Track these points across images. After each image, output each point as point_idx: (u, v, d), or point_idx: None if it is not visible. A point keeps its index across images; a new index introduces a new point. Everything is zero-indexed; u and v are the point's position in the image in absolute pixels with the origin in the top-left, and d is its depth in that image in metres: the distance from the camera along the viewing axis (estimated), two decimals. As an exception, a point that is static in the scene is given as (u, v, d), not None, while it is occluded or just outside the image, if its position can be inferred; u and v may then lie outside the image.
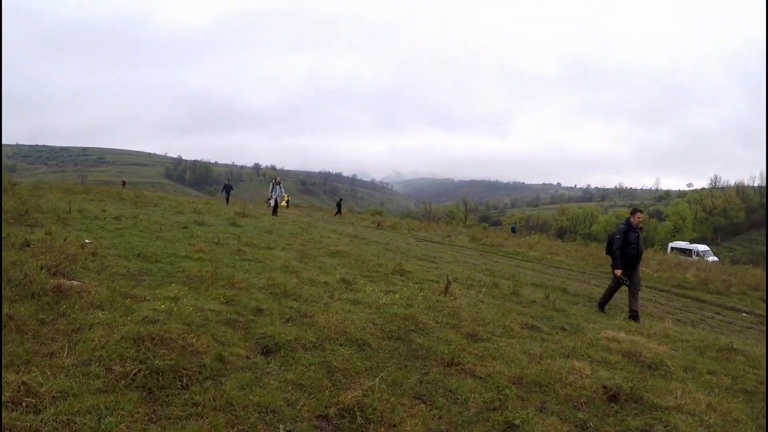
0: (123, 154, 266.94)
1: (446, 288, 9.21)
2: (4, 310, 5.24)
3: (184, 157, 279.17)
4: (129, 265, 8.37)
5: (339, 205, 47.23)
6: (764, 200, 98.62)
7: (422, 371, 5.63)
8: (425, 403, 4.83)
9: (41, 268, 6.98)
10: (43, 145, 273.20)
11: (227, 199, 36.91)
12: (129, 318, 5.63)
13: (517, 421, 4.55)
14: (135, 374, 4.34)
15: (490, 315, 8.12)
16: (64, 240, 8.96)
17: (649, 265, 22.35)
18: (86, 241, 9.93)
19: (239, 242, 11.84)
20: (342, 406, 4.44)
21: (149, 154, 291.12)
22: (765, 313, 10.52)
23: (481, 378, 5.52)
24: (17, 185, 21.78)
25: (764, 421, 5.21)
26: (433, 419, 4.52)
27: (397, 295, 8.55)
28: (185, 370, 4.54)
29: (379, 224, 30.33)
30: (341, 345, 5.98)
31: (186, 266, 8.71)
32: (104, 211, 15.80)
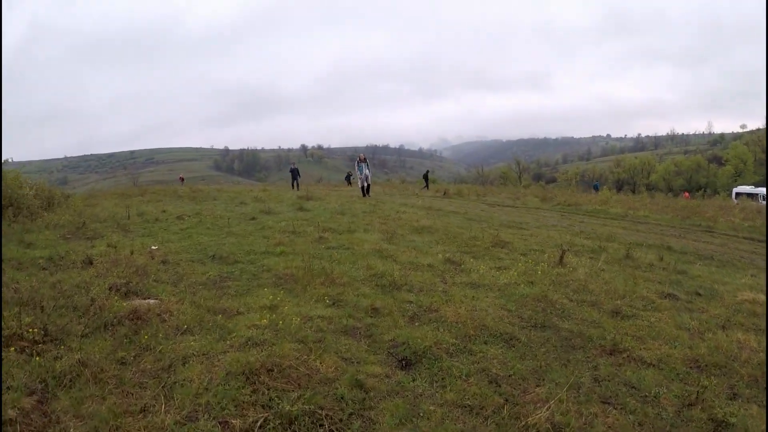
0: (170, 152, 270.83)
1: (561, 258, 8.20)
2: (75, 356, 4.16)
3: (230, 148, 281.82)
4: (207, 270, 7.32)
5: (426, 178, 42.25)
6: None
7: (590, 365, 4.72)
8: (615, 407, 3.97)
9: (110, 289, 6.03)
10: (91, 154, 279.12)
11: (294, 184, 32.64)
12: (227, 342, 4.60)
13: (724, 417, 3.86)
14: (261, 426, 3.23)
15: (620, 285, 7.19)
16: (131, 252, 7.95)
17: (733, 214, 20.58)
18: (153, 247, 9.00)
19: (317, 228, 10.74)
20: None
21: (196, 149, 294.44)
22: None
23: (654, 365, 4.75)
24: (71, 197, 21.24)
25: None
26: (634, 428, 3.73)
27: (513, 272, 7.50)
28: (322, 410, 3.50)
29: (445, 193, 28.92)
30: (487, 343, 4.98)
31: (271, 264, 7.64)
32: (164, 211, 14.91)
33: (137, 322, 4.98)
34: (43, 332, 4.65)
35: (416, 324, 5.31)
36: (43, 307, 5.40)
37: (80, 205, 17.60)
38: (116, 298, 5.68)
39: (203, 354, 4.32)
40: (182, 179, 58.62)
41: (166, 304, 5.53)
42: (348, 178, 45.68)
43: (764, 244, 13.12)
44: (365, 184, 22.41)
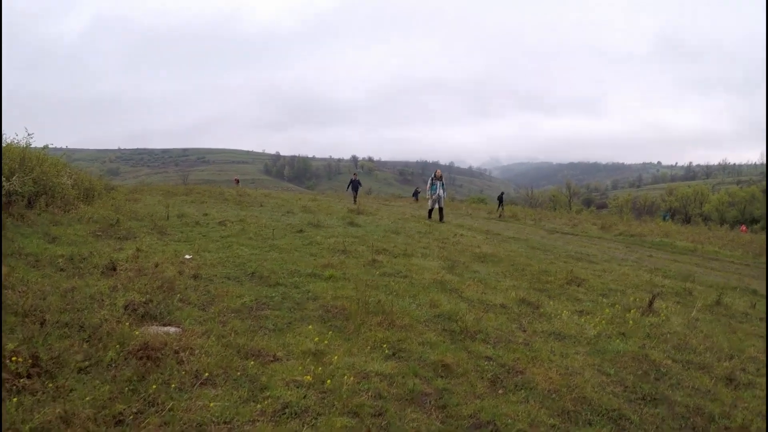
0: (222, 153, 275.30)
1: (650, 304, 7.03)
2: (57, 408, 3.13)
3: (282, 153, 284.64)
4: (243, 291, 6.28)
5: (501, 200, 32.15)
6: None
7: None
8: None
9: (125, 308, 5.07)
10: (144, 148, 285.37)
11: (354, 198, 29.42)
12: (258, 405, 3.58)
13: None
14: None
15: (723, 341, 6.17)
16: (155, 265, 6.96)
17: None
18: (186, 257, 8.11)
19: (369, 249, 9.63)
20: None
21: (247, 152, 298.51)
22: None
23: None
24: (114, 189, 20.70)
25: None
26: None
27: (598, 318, 6.36)
28: None
29: (500, 215, 27.53)
30: (591, 424, 3.89)
31: (317, 290, 6.56)
32: (206, 215, 14.07)
33: (147, 363, 3.93)
34: (31, 362, 3.72)
35: (500, 391, 4.15)
36: (44, 321, 4.54)
37: (121, 199, 16.99)
38: (130, 321, 4.74)
39: (224, 422, 3.26)
40: (237, 181, 58.40)
41: (188, 336, 4.50)
42: (416, 194, 43.89)
43: None
44: (437, 206, 19.09)
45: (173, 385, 3.64)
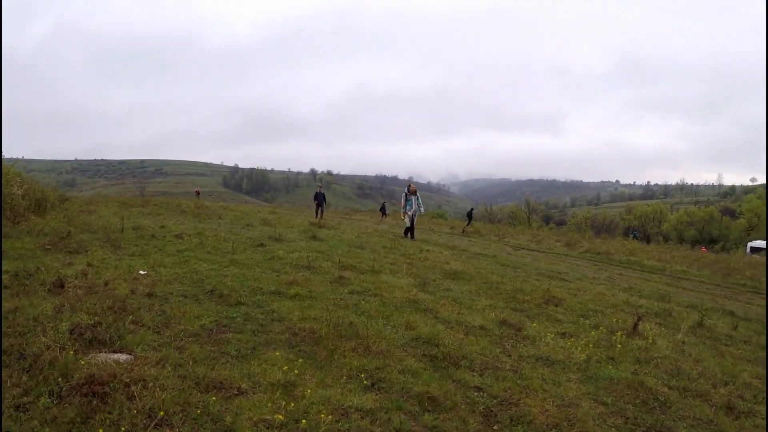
0: (180, 165, 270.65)
1: (635, 326, 6.77)
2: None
3: (240, 165, 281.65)
4: (201, 311, 5.79)
5: (470, 216, 35.72)
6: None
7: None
8: None
9: (71, 333, 4.53)
10: (102, 159, 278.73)
11: (318, 212, 26.94)
12: None
13: None
14: None
15: (714, 366, 6.00)
16: (106, 283, 6.46)
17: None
18: (141, 272, 7.57)
19: (335, 265, 9.20)
20: None
21: (206, 164, 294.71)
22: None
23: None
24: (68, 200, 19.78)
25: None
26: None
27: (584, 342, 6.02)
28: None
29: (464, 230, 27.27)
30: None
31: (282, 310, 6.10)
32: (163, 227, 13.41)
33: (93, 400, 3.45)
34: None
35: (495, 427, 3.79)
36: (-21, 349, 4.02)
37: (75, 210, 16.19)
38: (75, 348, 4.22)
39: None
40: (198, 193, 57.25)
41: (141, 365, 4.01)
42: (383, 209, 41.47)
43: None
44: (411, 224, 17.89)
45: (123, 429, 3.16)
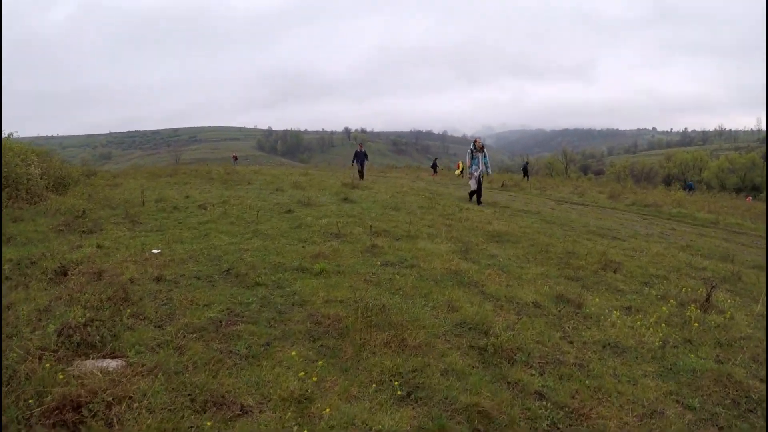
0: (214, 131, 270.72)
1: (708, 298, 5.75)
2: None
3: (274, 128, 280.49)
4: (213, 297, 5.06)
5: (526, 170, 38.64)
6: None
7: None
8: None
9: (59, 335, 3.85)
10: (135, 131, 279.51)
11: (361, 173, 23.54)
12: None
13: None
14: None
15: None
16: (112, 268, 5.76)
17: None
18: (154, 251, 6.91)
19: (366, 230, 8.38)
20: None
21: (239, 128, 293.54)
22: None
23: None
24: (95, 175, 19.36)
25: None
26: None
27: (654, 318, 5.10)
28: None
29: (503, 184, 25.95)
30: None
31: (305, 291, 5.34)
32: (187, 197, 12.77)
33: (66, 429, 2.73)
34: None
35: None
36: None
37: (100, 185, 15.72)
38: (59, 355, 3.61)
39: None
40: (235, 158, 57.14)
41: (130, 375, 3.31)
42: (434, 165, 39.71)
43: None
44: (477, 186, 15.14)
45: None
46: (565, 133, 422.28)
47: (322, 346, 4.05)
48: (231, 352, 3.92)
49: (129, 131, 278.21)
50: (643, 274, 7.06)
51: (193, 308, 4.77)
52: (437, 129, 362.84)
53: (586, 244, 8.81)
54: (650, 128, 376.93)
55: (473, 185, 15.29)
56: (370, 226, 8.67)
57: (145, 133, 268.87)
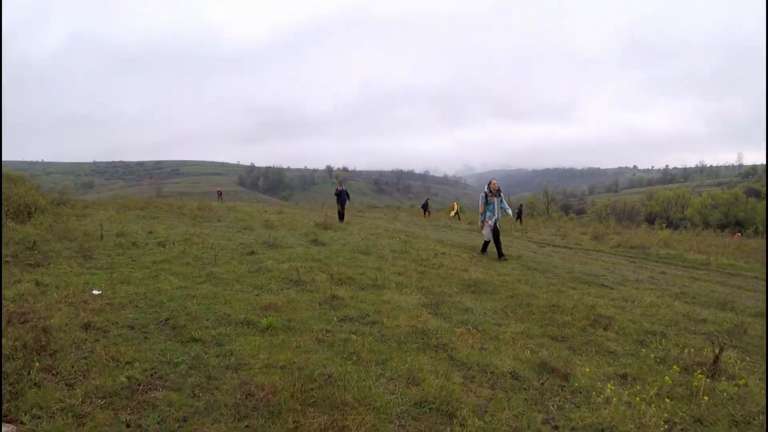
0: (196, 165, 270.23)
1: (716, 360, 4.94)
2: None
3: (256, 164, 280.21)
4: (139, 353, 4.40)
5: (520, 213, 37.09)
6: None
7: None
8: None
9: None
10: (120, 161, 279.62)
11: (340, 214, 21.97)
12: None
13: None
14: None
15: None
16: (42, 309, 5.09)
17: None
18: (94, 292, 6.27)
19: (330, 278, 7.69)
20: None
21: (222, 163, 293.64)
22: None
23: None
24: (63, 204, 18.60)
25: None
26: None
27: (653, 390, 4.26)
28: None
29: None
30: None
31: (245, 351, 4.62)
32: (150, 233, 12.10)
33: None
34: None
35: None
36: None
37: (68, 215, 15.06)
38: None
39: None
40: (219, 193, 56.81)
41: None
42: (426, 206, 38.83)
43: None
44: (492, 236, 12.78)
45: None
46: (546, 172, 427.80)
47: (247, 427, 3.30)
48: (139, 426, 3.22)
49: (113, 161, 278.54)
50: (638, 330, 6.25)
51: (113, 366, 4.10)
52: (419, 169, 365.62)
53: (572, 295, 8.08)
54: (631, 166, 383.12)
55: (487, 235, 12.92)
56: (331, 275, 7.99)
57: (128, 164, 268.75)
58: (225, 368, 4.20)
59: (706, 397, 4.22)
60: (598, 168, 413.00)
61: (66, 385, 3.73)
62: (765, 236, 17.37)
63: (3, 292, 5.85)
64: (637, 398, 4.09)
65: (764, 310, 8.15)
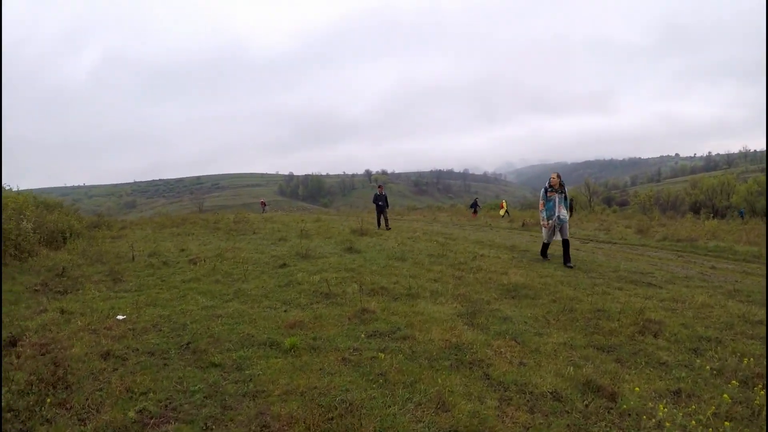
0: (236, 178, 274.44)
1: None
2: None
3: (295, 173, 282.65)
4: (155, 383, 4.18)
5: (475, 205, 36.51)
6: None
7: None
8: None
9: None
10: (160, 179, 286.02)
11: (379, 220, 20.85)
12: None
13: None
14: None
15: None
16: (66, 338, 4.93)
17: None
18: (119, 317, 6.09)
19: (361, 290, 7.37)
20: None
21: (261, 174, 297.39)
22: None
23: None
24: (100, 227, 18.77)
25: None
26: None
27: (710, 409, 3.74)
28: None
29: (524, 224, 24.33)
30: None
31: (265, 376, 4.33)
32: (183, 250, 12.02)
33: None
34: None
35: None
36: None
37: (103, 237, 15.12)
38: None
39: None
40: (263, 204, 57.42)
41: None
42: (475, 205, 36.72)
43: None
44: (554, 236, 11.39)
45: None
46: (587, 164, 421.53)
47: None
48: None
49: (153, 180, 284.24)
50: (690, 336, 5.71)
51: (126, 398, 3.88)
52: (458, 168, 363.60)
53: (619, 297, 7.55)
54: (673, 155, 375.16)
55: (547, 237, 11.51)
56: (367, 283, 7.69)
57: (168, 182, 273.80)
58: (242, 396, 3.93)
59: (766, 421, 3.72)
60: (640, 158, 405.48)
61: (78, 420, 3.55)
62: None
63: (27, 322, 5.75)
64: (693, 421, 3.59)
65: None
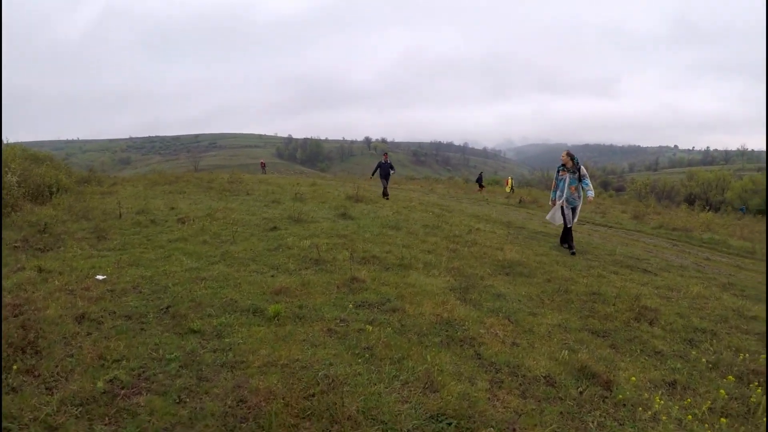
0: (234, 138, 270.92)
1: None
2: None
3: (294, 136, 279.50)
4: (129, 350, 3.95)
5: (480, 180, 35.04)
6: None
7: None
8: None
9: None
10: (156, 136, 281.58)
11: (385, 190, 19.54)
12: None
13: None
14: None
15: None
16: (40, 299, 4.70)
17: None
18: (98, 277, 5.83)
19: (352, 258, 7.16)
20: None
21: (259, 136, 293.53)
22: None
23: None
24: (90, 182, 18.37)
25: None
26: None
27: (706, 404, 3.66)
28: None
29: (521, 200, 24.23)
30: None
31: (245, 345, 4.14)
32: (173, 209, 11.69)
33: None
34: None
35: None
36: None
37: (92, 193, 14.75)
38: None
39: None
40: (263, 165, 57.49)
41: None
42: (479, 180, 35.63)
43: None
44: (566, 220, 10.20)
45: None
46: (586, 148, 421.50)
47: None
48: (114, 442, 2.77)
49: (149, 136, 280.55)
50: (686, 326, 5.58)
51: (98, 365, 3.65)
52: (458, 141, 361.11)
53: (614, 281, 7.43)
54: (672, 146, 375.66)
55: (557, 219, 10.44)
56: (359, 250, 7.48)
57: (165, 139, 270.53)
58: (220, 366, 3.72)
59: (765, 418, 3.56)
60: (639, 146, 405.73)
61: (46, 389, 3.33)
62: None
63: (2, 282, 5.47)
64: (689, 416, 3.48)
65: None
